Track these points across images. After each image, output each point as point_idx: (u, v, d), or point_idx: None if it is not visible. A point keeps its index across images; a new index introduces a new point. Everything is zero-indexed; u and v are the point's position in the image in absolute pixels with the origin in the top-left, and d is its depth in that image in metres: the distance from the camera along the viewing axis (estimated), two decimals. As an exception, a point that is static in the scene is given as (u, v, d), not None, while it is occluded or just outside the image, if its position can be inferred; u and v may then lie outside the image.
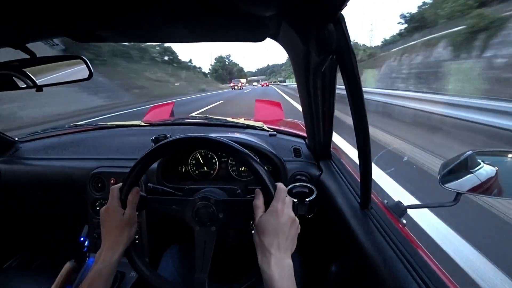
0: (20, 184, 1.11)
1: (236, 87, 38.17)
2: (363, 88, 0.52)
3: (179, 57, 51.51)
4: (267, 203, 0.54)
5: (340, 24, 0.46)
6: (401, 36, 29.10)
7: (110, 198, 0.57)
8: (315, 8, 0.45)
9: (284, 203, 0.53)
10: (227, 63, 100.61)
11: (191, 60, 63.06)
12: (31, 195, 1.17)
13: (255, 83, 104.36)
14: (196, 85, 36.15)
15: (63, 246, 1.29)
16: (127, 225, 0.56)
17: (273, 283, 0.46)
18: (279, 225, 0.51)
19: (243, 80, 56.16)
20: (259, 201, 0.55)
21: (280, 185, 0.56)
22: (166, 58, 41.51)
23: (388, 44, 32.35)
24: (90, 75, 0.75)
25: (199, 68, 68.94)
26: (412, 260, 0.51)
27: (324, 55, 0.54)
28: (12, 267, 1.20)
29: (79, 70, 0.75)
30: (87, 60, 0.73)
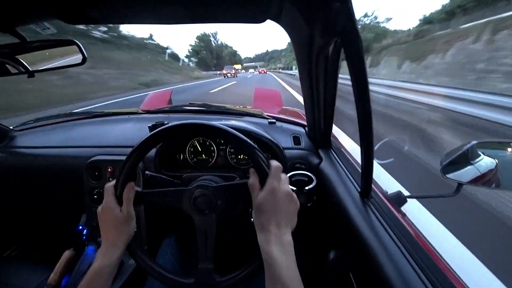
0: (15, 174, 1.09)
1: (229, 74, 33.54)
2: (372, 79, 0.49)
3: (129, 33, 34.83)
4: (263, 182, 0.52)
5: (347, 4, 0.43)
6: (462, 9, 19.54)
7: (105, 196, 0.56)
8: None
9: (280, 179, 0.52)
10: (213, 43, 77.67)
11: (151, 36, 43.98)
12: (27, 185, 1.16)
13: (251, 70, 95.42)
14: (140, 77, 18.79)
15: (61, 235, 1.29)
16: (125, 222, 0.55)
17: (273, 261, 0.45)
18: (277, 202, 0.50)
19: (238, 66, 50.62)
20: (254, 180, 0.53)
21: (274, 162, 0.54)
22: (97, 33, 24.78)
23: (430, 22, 22.43)
24: (84, 59, 0.72)
25: (167, 48, 47.60)
26: (412, 250, 0.51)
27: (328, 37, 0.51)
28: (11, 257, 1.20)
29: (73, 54, 0.72)
30: (80, 44, 0.70)
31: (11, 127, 1.20)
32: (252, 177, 0.54)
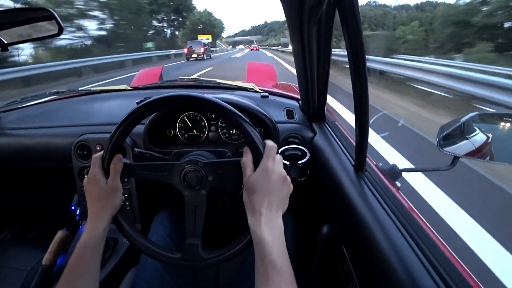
0: (3, 157, 1.06)
1: (195, 55, 18.30)
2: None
3: None
4: (257, 162, 0.51)
5: None
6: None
7: (92, 167, 0.55)
8: None
9: (274, 160, 0.51)
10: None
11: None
12: (16, 167, 1.13)
13: (240, 46, 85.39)
14: None
15: (55, 216, 1.28)
16: (110, 194, 0.54)
17: (263, 243, 0.45)
18: (269, 184, 0.49)
19: (203, 39, 26.43)
20: (248, 159, 0.52)
21: (269, 142, 0.52)
22: None
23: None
24: (60, 30, 0.66)
25: None
26: (406, 223, 0.50)
27: None
28: (6, 240, 1.20)
29: (47, 24, 0.66)
30: (55, 13, 0.64)
31: None
32: (245, 155, 0.52)
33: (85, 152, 0.95)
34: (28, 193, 1.26)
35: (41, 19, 0.66)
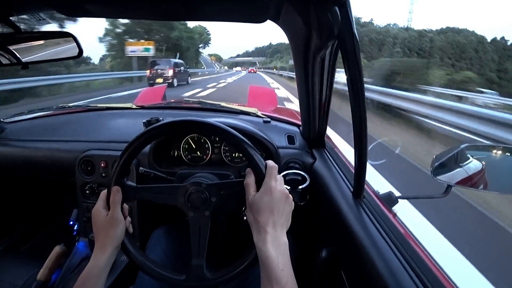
0: (5, 167, 1.07)
1: (160, 79, 12.85)
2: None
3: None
4: (259, 182, 0.53)
5: (345, 8, 0.44)
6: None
7: (98, 200, 0.58)
8: None
9: (276, 180, 0.53)
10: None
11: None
12: (17, 178, 1.13)
13: (237, 68, 78.98)
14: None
15: (52, 230, 1.26)
16: (111, 226, 0.55)
17: (269, 261, 0.46)
18: (273, 202, 0.51)
19: (177, 59, 16.47)
20: (250, 180, 0.54)
21: (270, 162, 0.55)
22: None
23: None
24: (80, 52, 0.71)
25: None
26: (403, 249, 0.52)
27: (326, 39, 0.52)
28: (0, 251, 1.18)
29: (68, 47, 0.71)
30: (76, 37, 0.69)
31: (1, 119, 1.18)
32: (248, 176, 0.55)
33: (89, 168, 0.96)
34: (26, 203, 1.25)
35: (62, 40, 0.71)
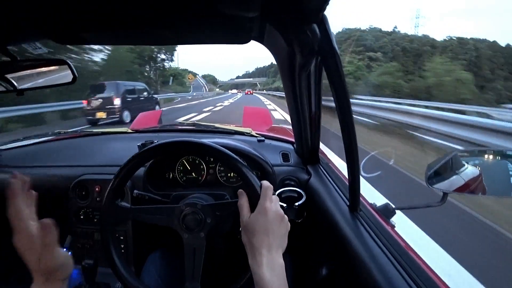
0: (0, 193, 1.05)
1: (102, 113, 8.39)
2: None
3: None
4: (254, 203, 0.53)
5: (323, 25, 0.46)
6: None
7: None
8: (297, 9, 0.45)
9: (271, 200, 0.52)
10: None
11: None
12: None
13: (233, 91, 73.42)
14: None
15: None
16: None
17: (264, 283, 0.44)
18: (268, 224, 0.50)
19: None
20: (243, 201, 0.54)
21: (265, 182, 0.55)
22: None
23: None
24: (74, 78, 0.73)
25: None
26: (403, 262, 0.50)
27: (308, 56, 0.54)
28: None
29: (62, 73, 0.73)
30: (71, 64, 0.71)
31: None
32: (241, 197, 0.54)
33: (84, 193, 0.95)
34: None
35: (57, 67, 0.73)
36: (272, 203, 0.52)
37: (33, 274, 0.47)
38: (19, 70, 0.72)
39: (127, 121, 8.57)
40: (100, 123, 8.70)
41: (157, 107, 11.28)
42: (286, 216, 0.53)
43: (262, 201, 0.52)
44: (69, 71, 0.73)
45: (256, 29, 0.57)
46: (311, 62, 0.58)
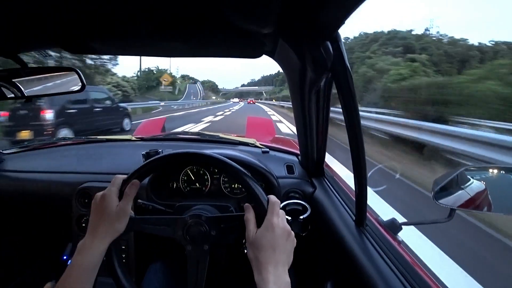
0: (2, 198, 1.05)
1: (25, 132, 4.71)
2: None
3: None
4: (260, 217, 0.52)
5: (336, 43, 0.47)
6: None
7: (110, 185, 0.55)
8: (312, 27, 0.46)
9: (278, 216, 0.52)
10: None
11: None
12: (13, 210, 1.11)
13: (234, 99, 68.96)
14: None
15: (43, 265, 1.21)
16: (118, 217, 0.53)
17: None
18: (275, 239, 0.49)
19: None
20: (250, 215, 0.53)
21: (272, 197, 0.54)
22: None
23: None
24: (83, 86, 0.74)
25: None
26: (410, 278, 0.50)
27: (320, 72, 0.55)
28: None
29: (71, 81, 0.74)
30: (79, 72, 0.72)
31: (1, 150, 1.18)
32: (247, 211, 0.54)
33: (86, 200, 0.94)
34: (18, 238, 1.21)
35: (66, 75, 0.74)
36: (280, 219, 0.52)
37: (91, 232, 0.52)
38: (27, 76, 0.73)
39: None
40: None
41: (126, 120, 8.41)
42: (292, 232, 0.53)
43: (270, 217, 0.51)
44: (78, 80, 0.74)
45: (268, 45, 0.58)
46: (322, 79, 0.59)
